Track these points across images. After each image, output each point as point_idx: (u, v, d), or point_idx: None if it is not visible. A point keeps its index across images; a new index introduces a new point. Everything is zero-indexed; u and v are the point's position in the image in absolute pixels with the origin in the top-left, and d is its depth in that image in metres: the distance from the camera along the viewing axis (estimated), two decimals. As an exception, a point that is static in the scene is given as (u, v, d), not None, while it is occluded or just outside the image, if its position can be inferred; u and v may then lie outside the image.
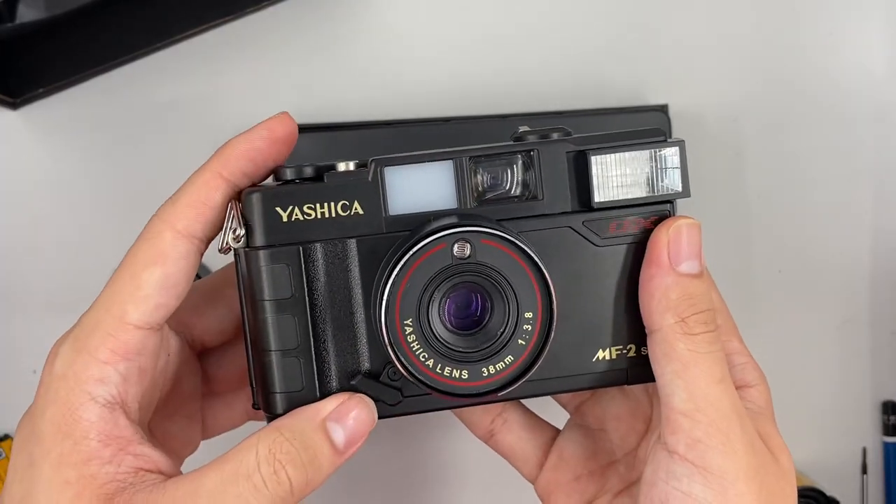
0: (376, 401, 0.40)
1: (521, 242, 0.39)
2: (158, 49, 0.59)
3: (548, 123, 0.42)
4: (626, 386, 0.44)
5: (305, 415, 0.39)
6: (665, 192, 0.41)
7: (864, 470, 0.65)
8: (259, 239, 0.39)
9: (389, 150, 0.57)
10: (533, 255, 0.39)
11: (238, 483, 0.37)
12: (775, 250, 0.64)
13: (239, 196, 0.40)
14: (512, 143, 0.41)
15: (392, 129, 0.59)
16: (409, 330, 0.39)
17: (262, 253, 0.39)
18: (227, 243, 0.40)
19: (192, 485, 0.37)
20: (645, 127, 0.42)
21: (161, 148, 0.60)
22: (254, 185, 0.41)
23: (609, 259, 0.41)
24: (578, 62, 0.62)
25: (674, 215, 0.41)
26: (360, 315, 0.40)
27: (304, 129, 0.58)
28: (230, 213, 0.40)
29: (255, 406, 0.42)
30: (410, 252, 0.38)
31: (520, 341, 0.40)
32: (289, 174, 0.40)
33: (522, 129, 0.42)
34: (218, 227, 0.40)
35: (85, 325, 0.40)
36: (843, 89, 0.63)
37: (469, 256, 0.39)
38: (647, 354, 0.41)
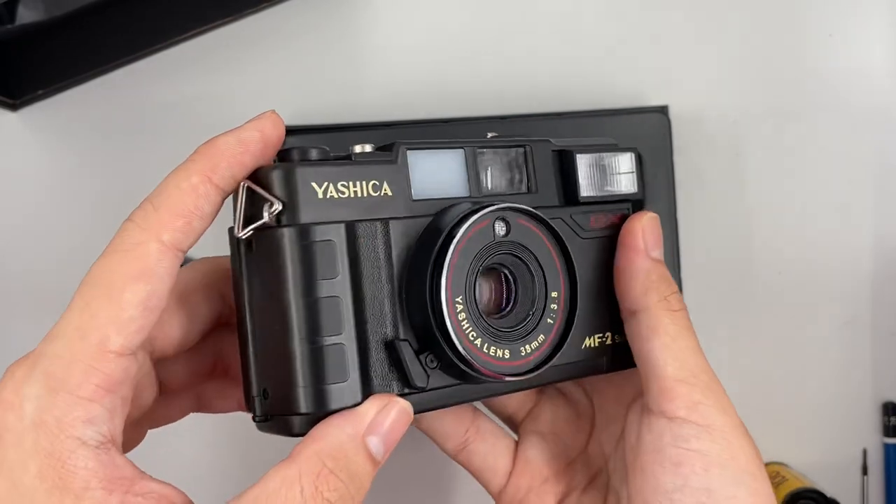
0: (412, 388, 0.38)
1: (551, 222, 0.41)
2: (158, 50, 0.59)
3: (520, 129, 0.47)
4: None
5: (346, 432, 0.36)
6: (631, 192, 0.45)
7: (865, 471, 0.65)
8: (300, 215, 0.36)
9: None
10: (560, 234, 0.41)
11: None
12: (775, 251, 0.64)
13: (251, 176, 0.38)
14: (508, 137, 0.43)
15: (392, 130, 0.59)
16: (460, 308, 0.38)
17: (309, 228, 0.36)
18: (246, 229, 0.36)
19: None
20: (605, 141, 0.46)
21: (161, 148, 0.60)
22: (278, 161, 0.38)
23: (590, 251, 0.44)
24: (579, 63, 0.62)
25: (634, 212, 0.45)
26: (388, 301, 0.38)
27: (303, 129, 0.59)
28: (243, 195, 0.37)
29: (255, 418, 0.39)
30: (461, 228, 0.38)
31: (548, 320, 0.41)
32: (314, 154, 0.38)
33: (491, 135, 0.44)
34: (199, 237, 0.36)
35: (57, 356, 0.34)
36: (844, 90, 0.63)
37: (506, 234, 0.40)
38: (620, 342, 0.44)
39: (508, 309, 0.41)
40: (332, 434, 0.36)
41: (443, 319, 0.37)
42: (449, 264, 0.38)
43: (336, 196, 0.38)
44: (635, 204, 0.46)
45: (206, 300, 0.41)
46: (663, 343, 0.42)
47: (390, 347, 0.38)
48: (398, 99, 0.60)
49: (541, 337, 0.40)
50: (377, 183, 0.39)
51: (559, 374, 0.43)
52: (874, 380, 0.65)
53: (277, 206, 0.36)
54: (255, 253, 0.38)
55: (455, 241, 0.38)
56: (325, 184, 0.37)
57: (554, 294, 0.41)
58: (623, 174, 0.45)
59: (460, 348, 0.38)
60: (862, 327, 0.64)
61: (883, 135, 0.63)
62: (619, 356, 0.44)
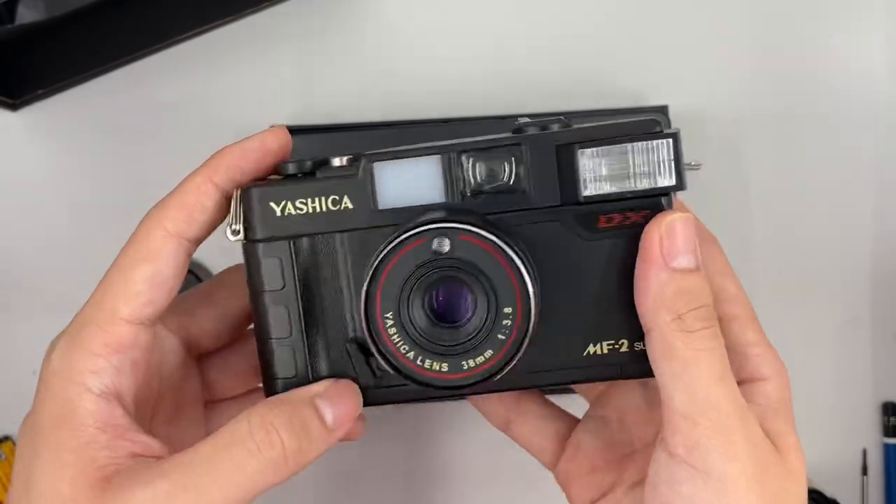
0: (360, 385, 0.42)
1: (500, 238, 0.39)
2: (158, 50, 0.59)
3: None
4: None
5: (296, 392, 0.41)
6: (657, 186, 0.40)
7: (865, 471, 0.65)
8: (255, 233, 0.41)
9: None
10: (510, 251, 0.39)
11: (232, 449, 0.38)
12: (775, 251, 0.64)
13: (243, 189, 0.42)
14: (500, 136, 0.41)
15: (392, 129, 0.59)
16: (389, 322, 0.39)
17: (258, 246, 0.41)
18: (228, 237, 0.41)
19: (186, 457, 0.38)
20: (643, 117, 0.40)
21: (161, 148, 0.60)
22: (257, 179, 0.42)
23: (599, 253, 0.41)
24: (578, 63, 0.62)
25: (669, 208, 0.40)
26: (349, 306, 0.41)
27: (303, 129, 0.59)
28: (234, 208, 0.41)
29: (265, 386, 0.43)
30: (390, 246, 0.39)
31: (499, 336, 0.39)
32: (290, 168, 0.42)
33: (522, 120, 0.42)
34: (208, 229, 0.42)
35: (78, 321, 0.41)
36: (844, 90, 0.63)
37: (448, 252, 0.39)
38: (640, 350, 0.41)
39: (456, 324, 0.40)
40: (284, 393, 0.41)
41: (372, 333, 0.40)
42: (378, 282, 0.39)
43: (294, 213, 0.41)
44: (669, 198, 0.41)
45: (232, 296, 0.46)
46: (672, 370, 0.38)
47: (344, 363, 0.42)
48: (398, 99, 0.60)
49: (489, 352, 0.40)
50: (336, 198, 0.41)
51: (548, 379, 0.42)
52: (874, 380, 0.65)
53: (238, 226, 0.41)
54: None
55: (381, 257, 0.39)
56: (284, 202, 0.41)
57: (507, 310, 0.39)
58: (649, 166, 0.40)
59: (392, 360, 0.40)
60: (862, 327, 0.64)
61: (883, 135, 0.63)
62: (640, 364, 0.41)
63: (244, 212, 0.41)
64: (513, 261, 0.39)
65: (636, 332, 0.41)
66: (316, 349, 0.42)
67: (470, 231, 0.39)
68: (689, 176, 0.63)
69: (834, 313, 0.64)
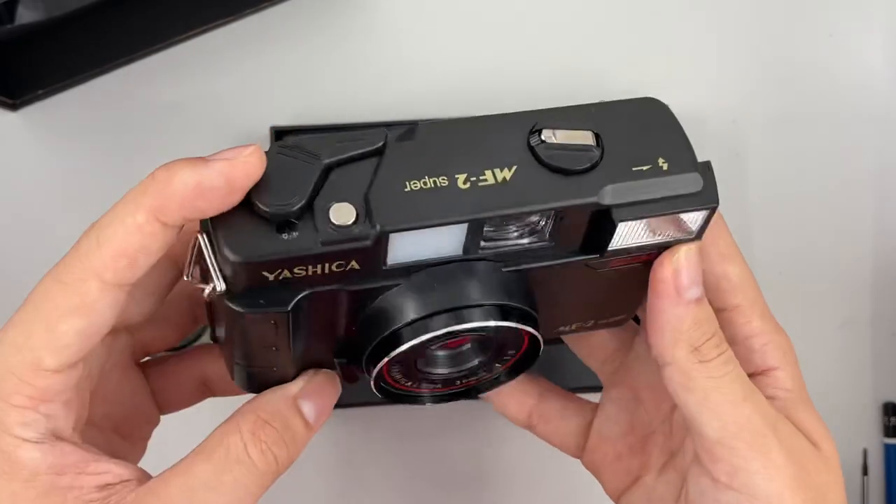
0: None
1: (513, 322, 0.37)
2: (158, 50, 0.59)
3: (572, 118, 0.38)
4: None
5: (278, 394, 0.40)
6: (679, 238, 0.39)
7: (865, 471, 0.65)
8: (241, 303, 0.35)
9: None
10: (532, 329, 0.38)
11: (233, 469, 0.37)
12: (775, 251, 0.64)
13: (207, 229, 0.34)
14: (533, 205, 0.36)
15: (391, 129, 0.59)
16: (395, 370, 0.39)
17: (246, 316, 0.35)
18: (199, 287, 0.35)
19: (183, 480, 0.36)
20: (684, 173, 0.37)
21: (161, 149, 0.60)
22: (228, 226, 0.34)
23: (605, 277, 0.40)
24: (579, 63, 0.62)
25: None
26: (341, 330, 0.38)
27: (303, 129, 0.59)
28: (194, 249, 0.35)
29: (213, 339, 0.42)
30: (412, 343, 0.37)
31: (497, 364, 0.40)
32: (274, 210, 0.33)
33: (545, 133, 0.37)
34: (154, 265, 0.36)
35: None
36: (844, 89, 0.63)
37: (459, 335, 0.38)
38: (602, 322, 0.43)
39: (454, 368, 0.41)
40: (265, 397, 0.39)
41: (377, 379, 0.39)
42: (391, 355, 0.37)
43: (290, 276, 0.34)
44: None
45: (181, 300, 0.43)
46: (696, 401, 0.39)
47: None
48: (398, 99, 0.60)
49: (482, 373, 0.41)
50: (343, 262, 0.35)
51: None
52: (874, 380, 0.65)
53: (220, 286, 0.34)
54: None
55: (400, 347, 0.37)
56: (279, 270, 0.34)
57: (511, 351, 0.40)
58: (680, 228, 0.38)
59: (389, 389, 0.40)
60: (862, 327, 0.64)
61: (883, 135, 0.63)
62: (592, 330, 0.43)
63: (224, 274, 0.34)
64: (531, 333, 0.38)
65: (603, 314, 0.43)
66: (301, 364, 0.40)
67: (481, 327, 0.37)
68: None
69: (834, 313, 0.64)
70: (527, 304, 0.38)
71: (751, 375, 0.41)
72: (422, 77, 0.61)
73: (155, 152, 0.60)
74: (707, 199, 0.37)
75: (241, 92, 0.60)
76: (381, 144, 0.35)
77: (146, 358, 0.45)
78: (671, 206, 0.36)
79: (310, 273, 0.34)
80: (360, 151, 0.35)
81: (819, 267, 0.64)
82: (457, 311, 0.37)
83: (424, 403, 0.42)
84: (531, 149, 0.36)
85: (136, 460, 0.44)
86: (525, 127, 0.37)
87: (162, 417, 0.46)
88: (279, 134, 0.58)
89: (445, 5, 0.61)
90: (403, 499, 0.62)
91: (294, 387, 0.40)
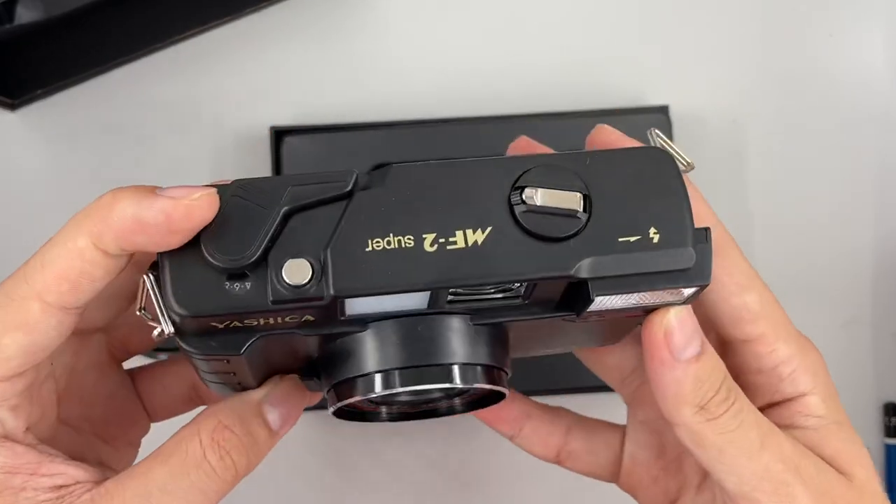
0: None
1: (480, 384, 0.36)
2: (158, 49, 0.59)
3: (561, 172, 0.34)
4: None
5: (242, 400, 0.39)
6: (666, 302, 0.36)
7: (865, 471, 0.65)
8: (193, 345, 0.34)
9: (387, 152, 0.57)
10: (486, 386, 0.36)
11: (190, 474, 0.36)
12: (776, 252, 0.64)
13: (155, 270, 0.33)
14: (501, 276, 0.33)
15: (391, 129, 0.59)
16: (364, 403, 0.38)
17: (196, 358, 0.35)
18: (142, 309, 0.34)
19: (139, 483, 0.36)
20: (677, 249, 0.34)
21: (161, 149, 0.60)
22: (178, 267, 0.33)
23: (583, 326, 0.38)
24: (579, 63, 0.62)
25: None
26: (303, 354, 0.38)
27: (303, 129, 0.59)
28: (142, 288, 0.34)
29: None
30: (361, 398, 0.36)
31: (456, 399, 0.40)
32: (221, 262, 0.32)
33: (528, 191, 0.33)
34: (101, 289, 0.35)
35: None
36: (844, 90, 0.63)
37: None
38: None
39: (417, 398, 0.39)
40: (228, 402, 0.38)
41: (339, 412, 0.38)
42: (344, 402, 0.37)
43: (242, 325, 0.33)
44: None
45: (120, 275, 0.41)
46: (710, 457, 0.38)
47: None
48: (398, 99, 0.60)
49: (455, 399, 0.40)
50: (296, 317, 0.33)
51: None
52: (874, 380, 0.65)
53: (169, 329, 0.33)
54: None
55: (354, 399, 0.36)
56: (229, 322, 0.33)
57: (478, 385, 0.37)
58: (662, 298, 0.35)
59: (346, 411, 0.38)
60: (863, 327, 0.64)
61: (883, 135, 0.63)
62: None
63: (172, 319, 0.33)
64: (494, 390, 0.37)
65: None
66: (264, 379, 0.39)
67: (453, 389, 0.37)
68: (689, 175, 0.63)
69: (834, 313, 0.64)
70: (494, 360, 0.36)
71: (781, 403, 0.40)
72: (422, 77, 0.61)
73: (154, 152, 0.60)
74: (697, 276, 0.34)
75: (241, 92, 0.60)
76: (347, 190, 0.33)
77: (130, 358, 0.45)
78: (654, 283, 0.34)
79: (262, 323, 0.33)
80: (324, 197, 0.33)
81: (819, 267, 0.64)
82: (419, 369, 0.35)
83: (381, 420, 0.41)
84: (510, 207, 0.33)
85: (124, 465, 0.43)
86: (509, 178, 0.33)
87: (155, 425, 0.46)
88: (279, 134, 0.58)
89: (445, 5, 0.61)
90: (402, 499, 0.62)
91: (258, 393, 0.39)
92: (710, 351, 0.38)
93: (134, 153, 0.60)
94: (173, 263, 0.32)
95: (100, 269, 0.34)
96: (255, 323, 0.33)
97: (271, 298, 0.32)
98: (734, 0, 0.62)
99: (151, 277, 0.33)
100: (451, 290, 0.34)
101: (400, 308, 0.34)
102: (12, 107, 0.59)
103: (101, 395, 0.43)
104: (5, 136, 0.59)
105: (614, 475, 0.47)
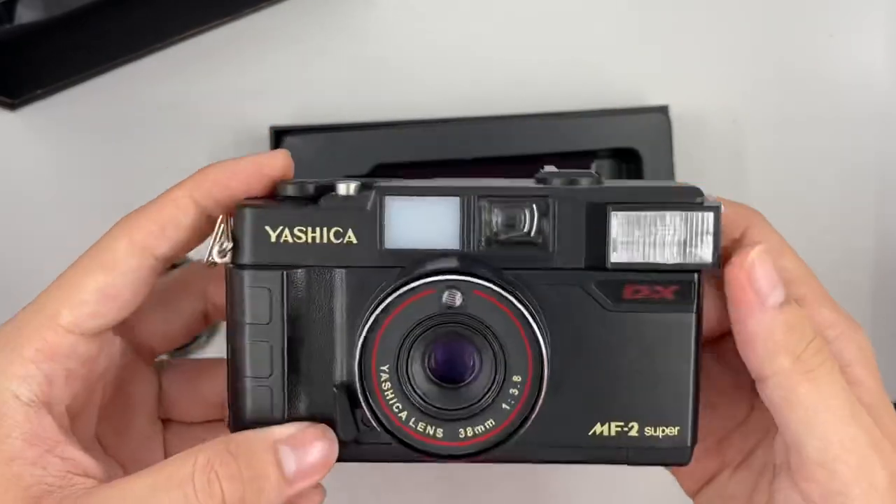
0: (339, 437, 0.38)
1: (519, 300, 0.36)
2: (158, 49, 0.59)
3: (574, 163, 0.39)
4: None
5: (259, 434, 0.37)
6: (692, 262, 0.37)
7: (865, 471, 0.65)
8: (244, 257, 0.37)
9: (387, 152, 0.58)
10: (528, 316, 0.36)
11: (169, 491, 0.35)
12: (775, 251, 0.64)
13: (232, 210, 0.38)
14: (528, 185, 0.38)
15: (391, 129, 0.59)
16: (384, 377, 0.36)
17: (245, 273, 0.37)
18: (212, 257, 0.37)
19: (121, 490, 0.36)
20: (684, 185, 0.38)
21: (161, 148, 0.60)
22: (249, 198, 0.39)
23: (621, 326, 0.38)
24: (578, 63, 0.62)
25: (700, 285, 0.38)
26: (340, 349, 0.38)
27: (303, 129, 0.59)
28: (220, 227, 0.37)
29: (229, 426, 0.40)
30: (396, 293, 0.36)
31: (504, 406, 0.36)
32: (289, 191, 0.38)
33: (547, 168, 0.38)
34: (182, 250, 0.39)
35: (15, 320, 0.38)
36: (844, 89, 0.63)
37: (460, 306, 0.36)
38: (651, 436, 0.39)
39: (458, 386, 0.37)
40: (244, 433, 0.37)
41: (364, 387, 0.36)
42: (378, 331, 0.36)
43: (290, 241, 0.37)
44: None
45: (185, 296, 0.43)
46: (799, 418, 0.36)
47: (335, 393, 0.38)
48: (398, 99, 0.60)
49: (490, 422, 0.36)
50: (340, 230, 0.37)
51: (548, 455, 0.39)
52: (874, 380, 0.65)
53: (228, 245, 0.37)
54: (226, 282, 0.39)
55: (384, 305, 0.36)
56: (281, 227, 0.37)
57: (516, 378, 0.36)
58: (685, 238, 0.37)
59: (382, 419, 0.36)
60: (863, 327, 0.64)
61: (883, 135, 0.63)
62: (648, 451, 0.39)
63: (234, 232, 0.37)
64: (530, 326, 0.36)
65: (648, 416, 0.39)
66: (296, 391, 0.38)
67: (486, 287, 0.36)
68: (690, 176, 0.63)
69: (834, 313, 0.64)
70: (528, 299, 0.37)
71: None
72: (422, 77, 0.61)
73: (154, 152, 0.60)
74: (710, 206, 0.38)
75: (241, 92, 0.60)
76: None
77: (159, 358, 0.45)
78: (669, 203, 0.37)
79: (308, 239, 0.37)
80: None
81: (819, 267, 0.63)
82: (442, 268, 0.36)
83: (427, 454, 0.38)
84: None
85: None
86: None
87: None
88: (279, 134, 0.58)
89: (445, 6, 0.61)
90: (403, 500, 0.62)
91: (280, 431, 0.37)
92: (795, 303, 0.37)
93: (134, 153, 0.60)
94: (249, 204, 0.38)
95: (187, 217, 0.38)
96: (303, 239, 0.37)
97: (323, 205, 0.37)
98: (734, 0, 0.62)
99: (227, 216, 0.38)
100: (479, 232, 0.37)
101: (434, 246, 0.37)
102: (12, 107, 0.59)
103: (120, 387, 0.43)
104: (5, 136, 0.59)
105: None
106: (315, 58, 0.60)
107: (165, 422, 0.45)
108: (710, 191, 0.62)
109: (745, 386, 0.42)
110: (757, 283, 0.36)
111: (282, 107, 0.60)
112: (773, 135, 0.63)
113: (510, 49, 0.61)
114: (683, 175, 0.60)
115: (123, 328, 0.41)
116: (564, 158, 0.59)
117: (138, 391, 0.44)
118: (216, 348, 0.58)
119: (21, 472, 0.36)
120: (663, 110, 0.60)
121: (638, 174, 0.58)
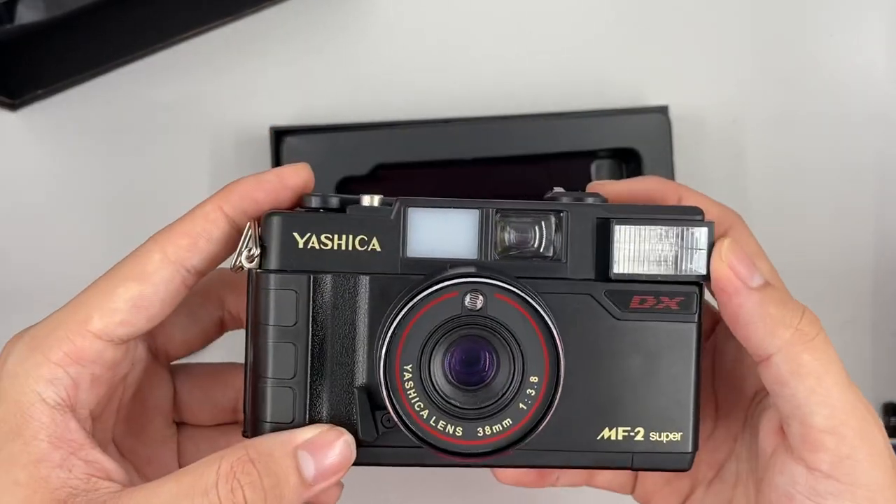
0: (356, 437, 0.39)
1: (537, 303, 0.38)
2: (158, 50, 0.59)
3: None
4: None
5: (279, 439, 0.38)
6: (688, 273, 0.40)
7: (865, 471, 0.65)
8: (272, 261, 0.39)
9: (387, 152, 0.58)
10: (547, 317, 0.38)
11: (193, 498, 0.36)
12: (775, 251, 0.63)
13: (259, 218, 0.40)
14: (543, 201, 0.41)
15: (391, 129, 0.59)
16: (407, 376, 0.38)
17: (272, 276, 0.39)
18: (240, 262, 0.39)
19: (145, 495, 0.36)
20: (685, 206, 0.42)
21: (161, 149, 0.60)
22: (275, 209, 0.40)
23: (628, 334, 0.40)
24: (578, 63, 0.62)
25: (702, 296, 0.40)
26: (362, 353, 0.40)
27: (303, 129, 0.59)
28: (247, 233, 0.39)
29: (244, 433, 0.41)
30: (420, 296, 0.37)
31: (521, 405, 0.38)
32: (314, 202, 0.40)
33: (557, 190, 0.41)
34: (213, 262, 0.40)
35: (45, 324, 0.39)
36: (844, 89, 0.63)
37: (480, 309, 0.37)
38: (655, 441, 0.40)
39: (478, 386, 0.38)
40: (264, 438, 0.38)
41: (388, 385, 0.37)
42: (402, 331, 0.37)
43: (318, 247, 0.39)
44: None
45: (205, 303, 0.44)
46: (807, 387, 0.37)
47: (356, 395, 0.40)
48: (398, 99, 0.60)
49: (507, 421, 0.38)
50: (365, 237, 0.39)
51: (557, 460, 0.41)
52: (874, 380, 0.65)
53: (255, 251, 0.39)
54: (249, 288, 0.41)
55: (409, 307, 0.37)
56: (308, 234, 0.39)
57: (533, 379, 0.38)
58: (695, 250, 0.40)
59: (403, 416, 0.38)
60: (862, 327, 0.64)
61: (883, 135, 0.63)
62: (652, 456, 0.41)
63: (262, 238, 0.39)
64: (548, 328, 0.38)
65: (653, 421, 0.40)
66: (318, 392, 0.40)
67: (507, 290, 0.37)
68: (690, 176, 0.63)
69: (834, 314, 0.64)
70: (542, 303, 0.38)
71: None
72: (422, 77, 0.61)
73: (154, 152, 0.60)
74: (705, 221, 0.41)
75: (241, 92, 0.60)
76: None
77: (175, 361, 0.46)
78: (669, 220, 0.40)
79: (335, 245, 0.39)
80: None
81: (819, 267, 0.64)
82: (465, 272, 0.38)
83: (446, 453, 0.39)
84: None
85: (164, 469, 0.43)
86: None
87: None
88: (279, 134, 0.58)
89: (445, 6, 0.61)
90: (406, 499, 0.62)
91: (300, 435, 0.38)
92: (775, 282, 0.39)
93: (134, 153, 0.60)
94: (278, 212, 0.39)
95: (218, 230, 0.39)
96: (329, 245, 0.39)
97: (349, 213, 0.39)
98: (734, 0, 0.62)
99: (255, 223, 0.39)
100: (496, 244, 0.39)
101: (454, 255, 0.39)
102: (12, 107, 0.59)
103: (139, 390, 0.43)
104: (5, 136, 0.59)
105: (630, 486, 0.47)
106: (315, 58, 0.60)
107: (178, 425, 0.46)
108: (710, 191, 0.62)
109: (709, 402, 0.44)
110: (736, 268, 0.38)
111: (282, 107, 0.60)
112: (773, 135, 0.63)
113: (510, 49, 0.61)
114: (683, 175, 0.60)
115: (145, 333, 0.42)
116: (565, 158, 0.59)
117: (155, 395, 0.45)
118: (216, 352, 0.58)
119: (48, 475, 0.37)
120: (663, 110, 0.60)
121: (638, 174, 0.58)
